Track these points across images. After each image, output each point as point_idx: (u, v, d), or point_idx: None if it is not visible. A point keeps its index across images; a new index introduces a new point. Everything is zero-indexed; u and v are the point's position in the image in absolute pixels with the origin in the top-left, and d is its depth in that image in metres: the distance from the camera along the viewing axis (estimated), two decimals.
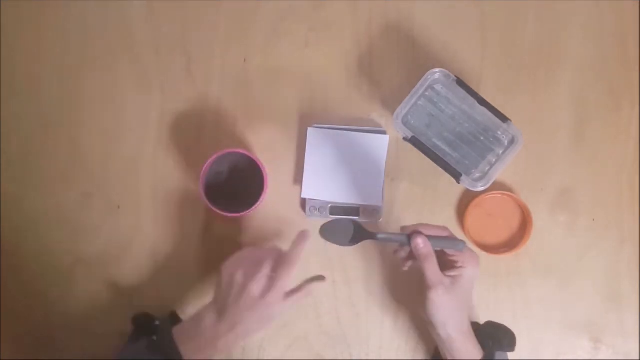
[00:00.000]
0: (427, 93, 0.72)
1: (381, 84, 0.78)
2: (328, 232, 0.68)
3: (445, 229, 0.69)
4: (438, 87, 0.72)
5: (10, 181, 0.79)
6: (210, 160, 0.71)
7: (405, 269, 0.71)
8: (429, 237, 0.65)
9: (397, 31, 0.78)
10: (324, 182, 0.76)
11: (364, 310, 0.78)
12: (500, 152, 0.71)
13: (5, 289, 0.78)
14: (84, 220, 0.78)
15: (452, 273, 0.66)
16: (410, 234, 0.66)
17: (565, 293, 0.77)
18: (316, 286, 0.70)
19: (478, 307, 0.77)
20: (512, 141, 0.71)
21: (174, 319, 0.74)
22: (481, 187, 0.70)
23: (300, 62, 0.79)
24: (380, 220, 0.77)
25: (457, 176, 0.70)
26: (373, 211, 0.76)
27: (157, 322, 0.71)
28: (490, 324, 0.73)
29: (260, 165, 0.72)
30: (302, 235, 0.68)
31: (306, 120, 0.78)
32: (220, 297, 0.66)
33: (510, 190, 0.78)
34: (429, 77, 0.70)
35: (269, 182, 0.74)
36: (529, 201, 0.76)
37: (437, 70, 0.70)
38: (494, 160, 0.72)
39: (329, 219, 0.76)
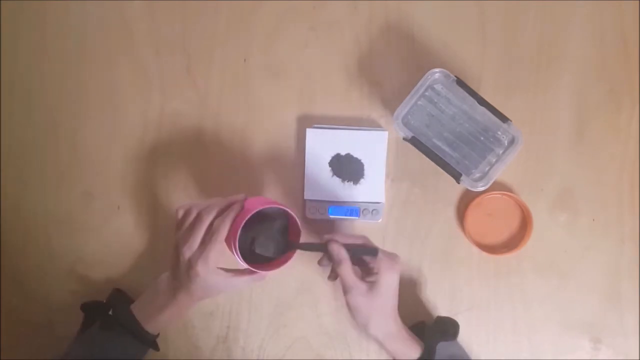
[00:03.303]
0: (427, 93, 0.72)
1: (381, 84, 0.78)
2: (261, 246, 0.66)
3: (362, 237, 0.69)
4: (438, 87, 0.72)
5: (10, 181, 0.79)
6: (244, 219, 0.64)
7: (332, 280, 0.71)
8: (345, 245, 0.66)
9: (397, 31, 0.78)
10: (326, 182, 0.76)
11: None
12: (500, 152, 0.71)
13: (5, 289, 0.78)
14: (84, 220, 0.78)
15: (370, 279, 0.68)
16: (326, 241, 0.67)
17: (565, 293, 0.77)
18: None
19: (478, 307, 0.77)
20: (512, 141, 0.71)
21: (122, 295, 0.75)
22: (481, 187, 0.70)
23: (300, 62, 0.79)
24: (380, 220, 0.77)
25: (457, 176, 0.70)
26: (373, 211, 0.76)
27: (106, 301, 0.73)
28: (438, 319, 0.75)
29: (296, 221, 0.67)
30: (257, 275, 0.68)
31: (306, 120, 0.78)
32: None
33: (510, 190, 0.78)
34: (429, 77, 0.70)
35: (269, 181, 0.74)
36: (529, 201, 0.76)
37: (437, 70, 0.70)
38: (494, 160, 0.72)
39: (328, 218, 0.76)
